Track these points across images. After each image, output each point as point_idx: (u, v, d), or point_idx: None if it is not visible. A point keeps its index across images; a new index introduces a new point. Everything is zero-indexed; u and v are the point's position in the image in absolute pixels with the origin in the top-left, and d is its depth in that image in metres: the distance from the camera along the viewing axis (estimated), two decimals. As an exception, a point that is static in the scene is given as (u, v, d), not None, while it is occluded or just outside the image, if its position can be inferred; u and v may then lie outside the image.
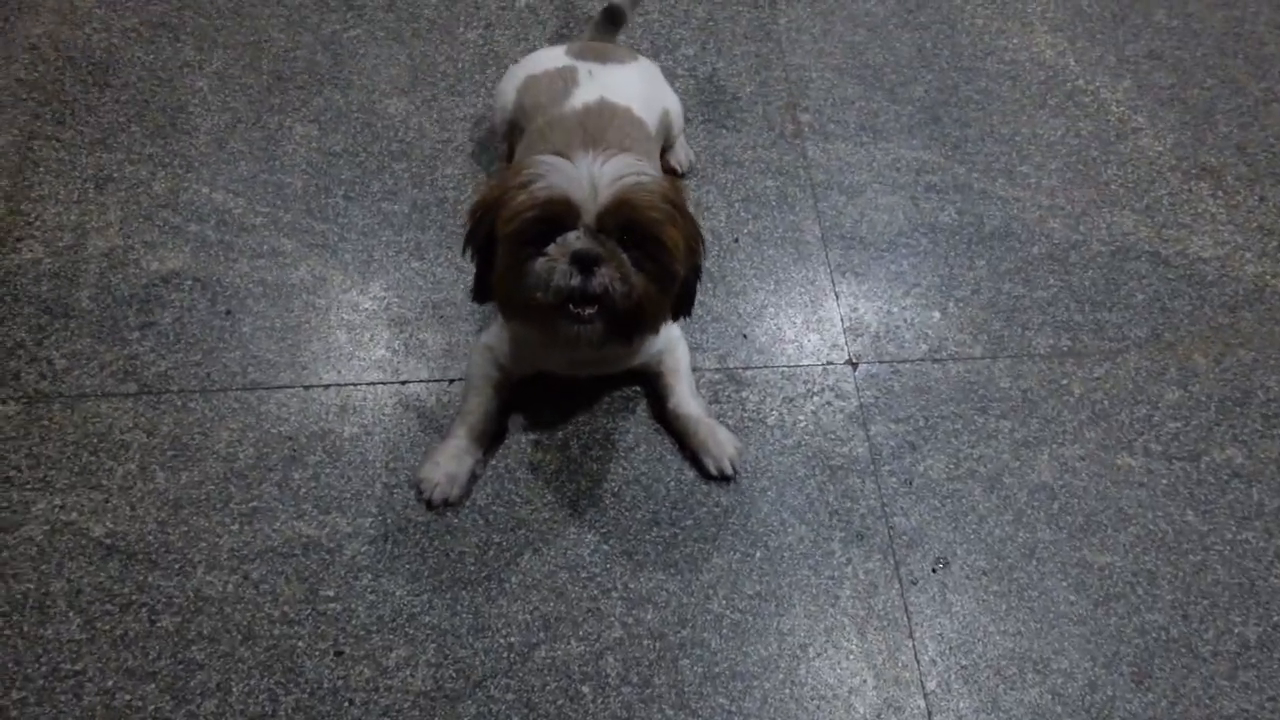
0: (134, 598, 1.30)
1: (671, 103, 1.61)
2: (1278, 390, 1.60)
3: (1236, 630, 1.38)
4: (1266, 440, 1.55)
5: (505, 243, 1.15)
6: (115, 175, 1.68)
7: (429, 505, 1.38)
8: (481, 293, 1.27)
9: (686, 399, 1.43)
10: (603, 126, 1.39)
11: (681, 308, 1.28)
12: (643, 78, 1.54)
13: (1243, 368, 1.62)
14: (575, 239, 1.11)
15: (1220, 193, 1.83)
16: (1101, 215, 1.78)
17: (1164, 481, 1.50)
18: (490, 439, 1.43)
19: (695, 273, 1.25)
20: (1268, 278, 1.72)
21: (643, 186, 1.12)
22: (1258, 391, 1.60)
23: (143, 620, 1.28)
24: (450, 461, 1.38)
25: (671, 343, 1.45)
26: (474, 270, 1.25)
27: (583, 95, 1.44)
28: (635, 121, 1.44)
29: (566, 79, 1.46)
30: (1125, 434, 1.54)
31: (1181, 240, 1.76)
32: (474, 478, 1.41)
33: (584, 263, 1.10)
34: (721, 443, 1.42)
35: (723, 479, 1.43)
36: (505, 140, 1.60)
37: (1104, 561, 1.42)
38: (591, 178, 1.10)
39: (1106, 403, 1.57)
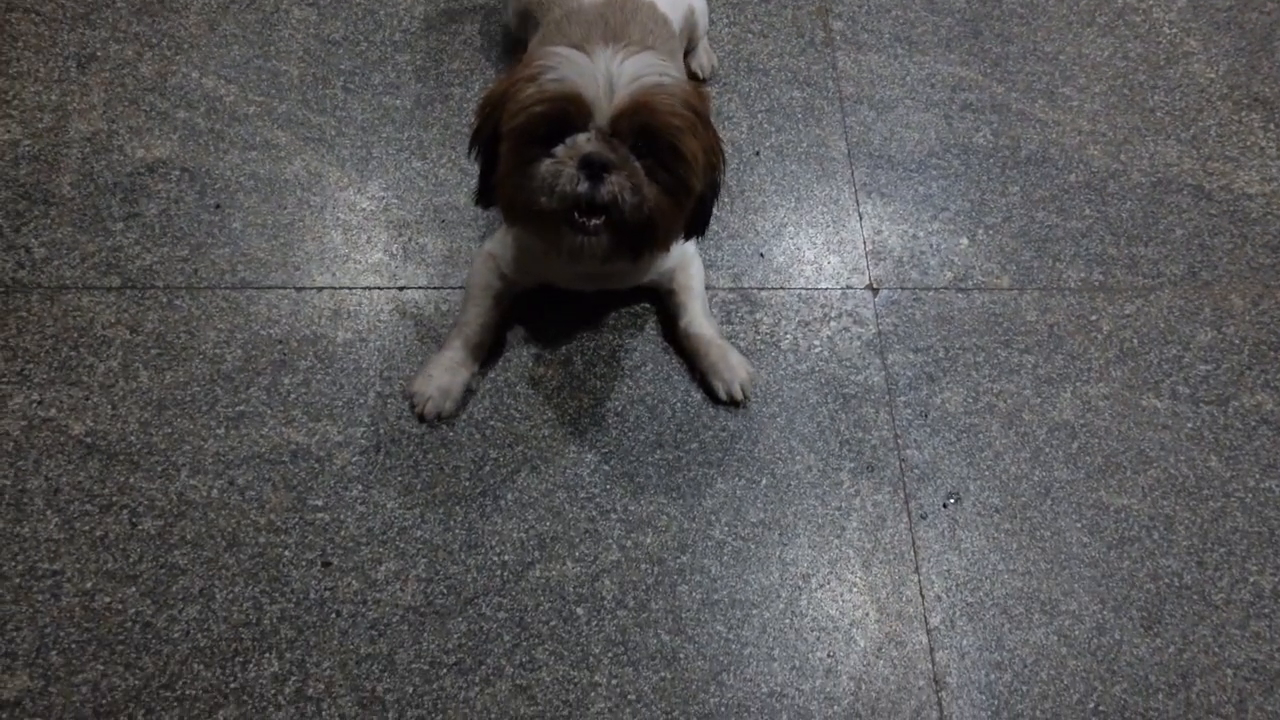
0: (114, 499, 1.25)
1: (697, 0, 1.50)
2: (1315, 336, 1.53)
3: (1252, 579, 1.34)
4: (1299, 387, 1.48)
5: (509, 139, 1.06)
6: (99, 54, 1.58)
7: (421, 419, 1.32)
8: (485, 195, 1.19)
9: (699, 319, 1.36)
10: (624, 21, 1.28)
11: (696, 226, 1.20)
12: None
13: (1281, 311, 1.54)
14: (585, 141, 1.03)
15: (1272, 126, 1.72)
16: (1144, 144, 1.68)
17: (1189, 425, 1.44)
18: (488, 352, 1.37)
19: (713, 189, 1.16)
20: (1314, 218, 1.63)
21: (663, 89, 1.03)
22: (1294, 336, 1.52)
23: (123, 522, 1.24)
24: (444, 375, 1.31)
25: (685, 260, 1.37)
26: (478, 171, 1.17)
27: None
28: (659, 19, 1.34)
29: None
30: (1153, 374, 1.47)
31: (1227, 174, 1.67)
32: (469, 392, 1.35)
33: (593, 168, 1.02)
34: (734, 366, 1.35)
35: (732, 404, 1.37)
36: (518, 33, 1.50)
37: (1121, 504, 1.37)
38: (608, 74, 1.01)
39: (1136, 341, 1.50)
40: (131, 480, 1.26)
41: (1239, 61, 1.79)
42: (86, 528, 1.23)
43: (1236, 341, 1.51)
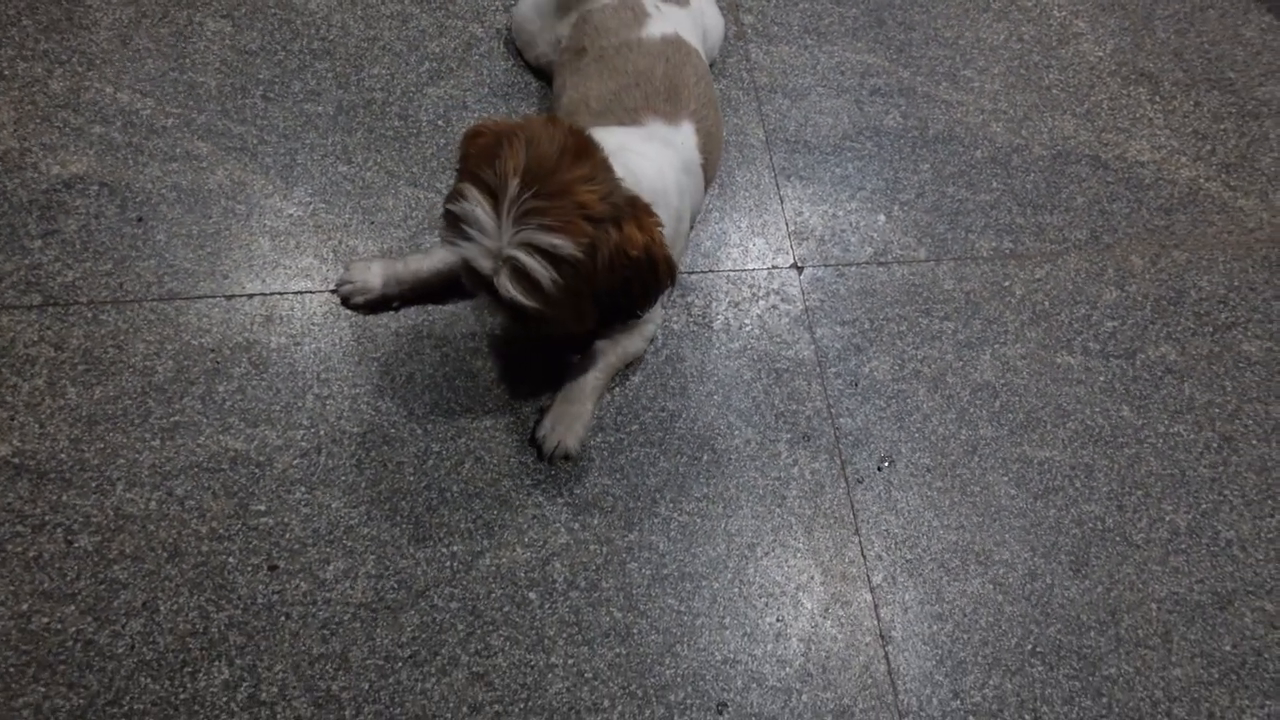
0: (47, 518, 1.22)
1: (715, 32, 1.62)
2: (1209, 289, 1.63)
3: (1168, 518, 1.41)
4: (1198, 338, 1.57)
5: (444, 212, 1.11)
6: (6, 72, 1.54)
7: (341, 299, 1.40)
8: None
9: (593, 373, 1.34)
10: (680, 63, 1.34)
11: (618, 315, 1.20)
12: (695, 22, 1.50)
13: (1177, 268, 1.64)
14: (479, 256, 1.05)
15: (1158, 98, 1.84)
16: (1043, 119, 1.77)
17: (1101, 378, 1.52)
18: (430, 291, 1.41)
19: (627, 295, 1.14)
20: (1201, 181, 1.74)
21: (536, 267, 1.03)
22: (1190, 291, 1.62)
23: (58, 541, 1.21)
24: (378, 278, 1.38)
25: (630, 329, 1.36)
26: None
27: (659, 26, 1.38)
28: (704, 73, 1.41)
29: (635, 10, 1.40)
30: (1064, 333, 1.55)
31: (1120, 144, 1.77)
32: (389, 304, 1.41)
33: (476, 279, 1.07)
34: (573, 431, 1.32)
35: (536, 450, 1.33)
36: (534, 59, 1.61)
37: (1043, 456, 1.44)
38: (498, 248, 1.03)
39: (1047, 303, 1.57)
40: (64, 498, 1.24)
41: (1124, 40, 1.91)
42: (19, 549, 1.20)
43: (1139, 298, 1.60)
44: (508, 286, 1.04)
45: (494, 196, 1.02)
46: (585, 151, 1.05)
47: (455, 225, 1.05)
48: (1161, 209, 1.70)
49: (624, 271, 1.07)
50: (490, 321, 1.43)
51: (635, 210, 1.06)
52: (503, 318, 1.19)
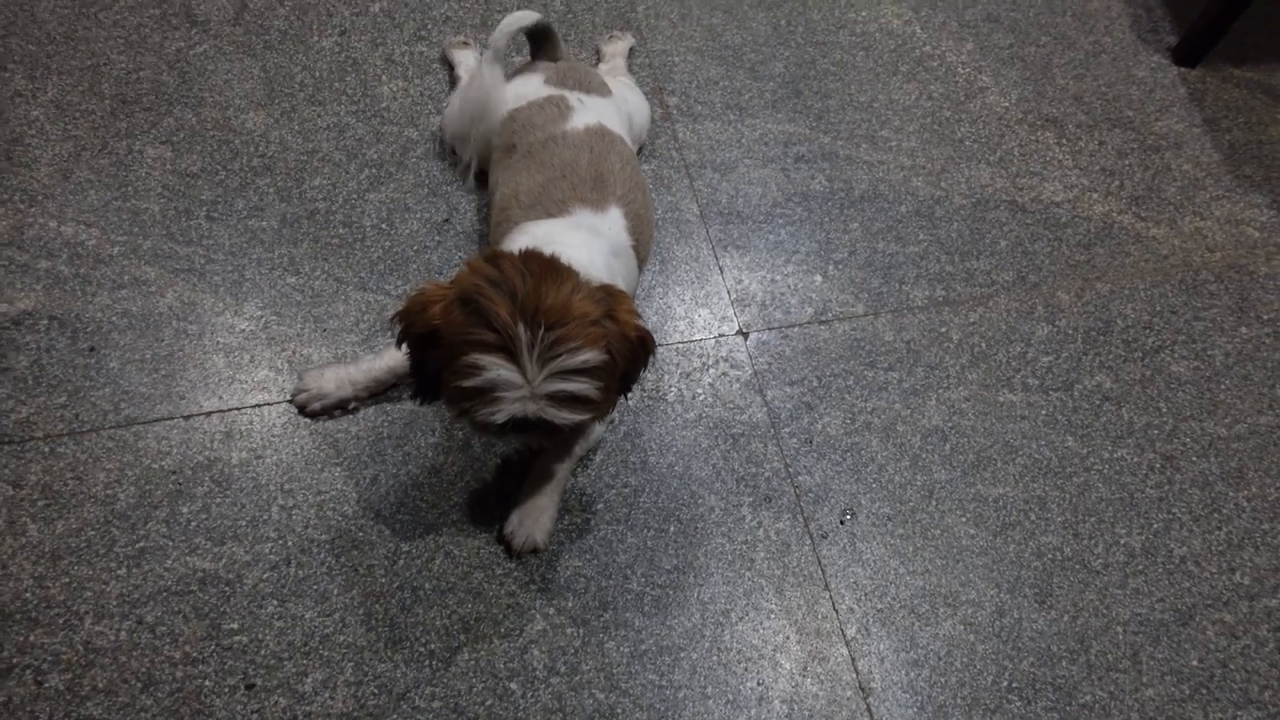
0: (15, 660, 1.21)
1: (640, 117, 1.68)
2: (1134, 316, 1.71)
3: (1122, 541, 1.46)
4: (1129, 363, 1.65)
5: (449, 391, 1.09)
6: (-52, 217, 1.56)
7: (298, 408, 1.44)
8: (423, 394, 1.16)
9: (561, 464, 1.37)
10: (605, 151, 1.40)
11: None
12: (619, 110, 1.56)
13: (1101, 299, 1.72)
14: (514, 401, 1.05)
15: (1064, 140, 1.95)
16: (960, 170, 1.87)
17: (1043, 412, 1.58)
18: (385, 390, 1.45)
19: (635, 370, 1.18)
20: (1114, 214, 1.84)
21: (572, 393, 1.06)
22: (1117, 320, 1.70)
23: (27, 683, 1.19)
24: (332, 383, 1.42)
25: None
26: (410, 368, 1.18)
27: (582, 118, 1.44)
28: (629, 158, 1.46)
29: (559, 105, 1.46)
30: (1004, 372, 1.61)
31: (1034, 187, 1.87)
32: (343, 410, 1.44)
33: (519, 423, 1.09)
34: (540, 524, 1.34)
35: (504, 545, 1.35)
36: (464, 154, 1.65)
37: (997, 493, 1.49)
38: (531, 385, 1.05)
39: (983, 345, 1.64)
40: (31, 638, 1.22)
41: (1027, 89, 2.02)
42: (-13, 696, 1.18)
43: (1070, 332, 1.68)
44: (559, 415, 1.06)
45: (506, 350, 1.02)
46: (552, 267, 1.08)
47: (478, 397, 1.05)
48: (1080, 245, 1.79)
49: (628, 354, 1.12)
50: (461, 432, 1.46)
51: (615, 297, 1.11)
52: (525, 441, 1.27)
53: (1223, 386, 1.64)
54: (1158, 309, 1.73)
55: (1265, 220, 1.87)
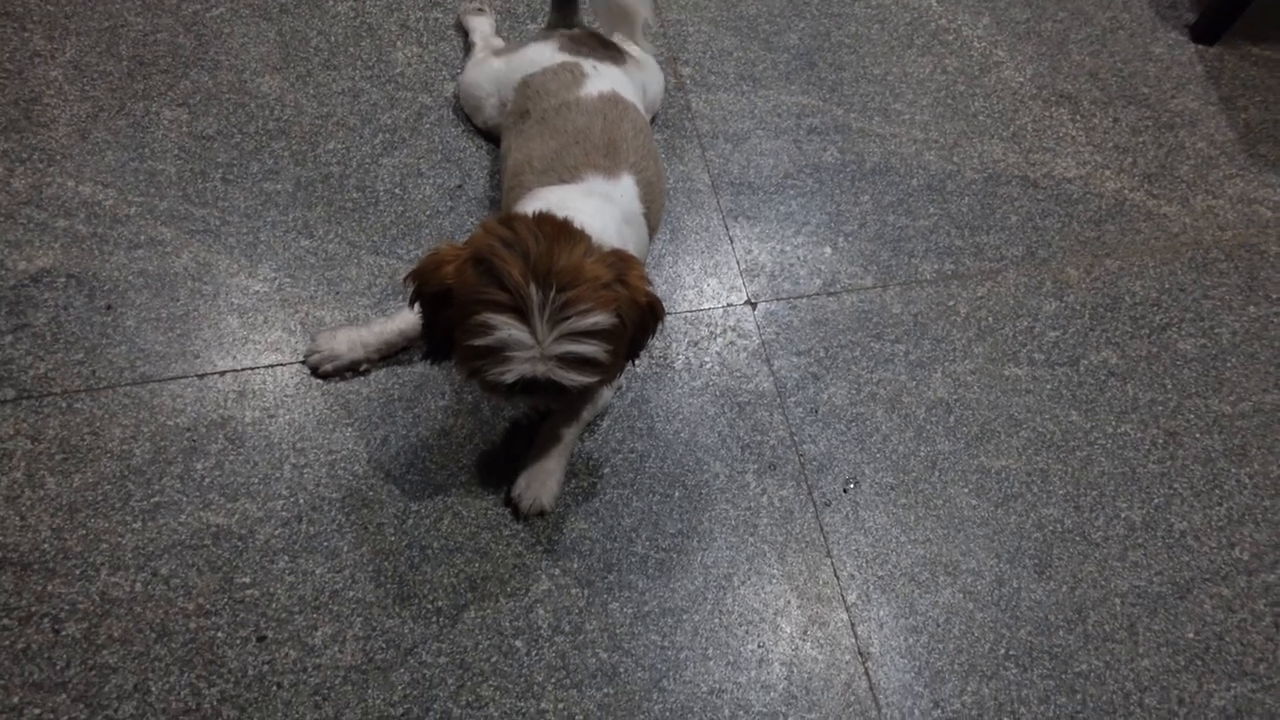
0: (34, 609, 1.24)
1: (655, 86, 1.67)
2: (1142, 294, 1.71)
3: (1123, 515, 1.48)
4: (1136, 340, 1.65)
5: (460, 343, 1.10)
6: (-33, 175, 1.58)
7: (310, 369, 1.45)
8: (434, 354, 1.18)
9: (570, 427, 1.39)
10: (618, 119, 1.40)
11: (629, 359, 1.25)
12: (633, 78, 1.55)
13: (1110, 276, 1.73)
14: (524, 361, 1.06)
15: (1078, 117, 1.94)
16: (972, 145, 1.87)
17: (1048, 386, 1.59)
18: (396, 352, 1.47)
19: (645, 334, 1.19)
20: (1126, 192, 1.84)
21: (583, 355, 1.07)
22: (1125, 296, 1.70)
23: (45, 631, 1.23)
24: (344, 344, 1.43)
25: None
26: (423, 327, 1.19)
27: (596, 85, 1.44)
28: (643, 126, 1.46)
29: (574, 71, 1.46)
30: (1010, 346, 1.62)
31: (1047, 163, 1.86)
32: (355, 371, 1.46)
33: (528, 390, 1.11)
34: (547, 487, 1.36)
35: (511, 508, 1.38)
36: (481, 121, 1.68)
37: (1000, 465, 1.50)
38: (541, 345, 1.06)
39: (991, 319, 1.65)
40: (49, 587, 1.25)
41: (1042, 65, 2.01)
42: (7, 642, 1.21)
43: (1077, 307, 1.68)
44: (567, 376, 1.07)
45: (518, 310, 1.03)
46: (566, 230, 1.09)
47: (488, 356, 1.06)
48: (1091, 221, 1.79)
49: (638, 319, 1.13)
50: (471, 395, 1.48)
51: (626, 262, 1.12)
52: (534, 404, 1.29)
53: (1229, 364, 1.65)
54: (1166, 286, 1.73)
55: (1278, 200, 1.87)
